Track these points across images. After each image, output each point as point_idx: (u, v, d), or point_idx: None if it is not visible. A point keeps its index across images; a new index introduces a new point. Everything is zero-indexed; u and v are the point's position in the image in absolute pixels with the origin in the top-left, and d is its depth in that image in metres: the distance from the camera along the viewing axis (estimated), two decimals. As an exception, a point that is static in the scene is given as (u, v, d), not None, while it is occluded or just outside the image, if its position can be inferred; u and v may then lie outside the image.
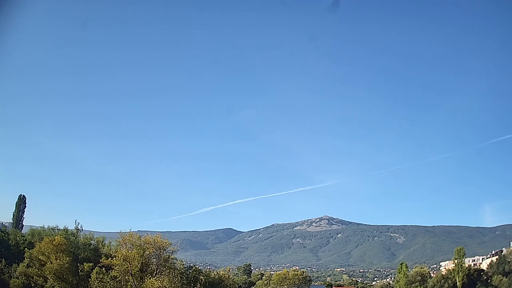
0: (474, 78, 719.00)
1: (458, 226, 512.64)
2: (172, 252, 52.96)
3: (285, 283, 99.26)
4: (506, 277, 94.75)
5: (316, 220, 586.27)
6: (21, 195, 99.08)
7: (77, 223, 66.76)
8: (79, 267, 51.33)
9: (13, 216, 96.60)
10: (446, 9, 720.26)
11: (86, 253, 58.21)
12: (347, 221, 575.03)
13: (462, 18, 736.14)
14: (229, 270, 65.51)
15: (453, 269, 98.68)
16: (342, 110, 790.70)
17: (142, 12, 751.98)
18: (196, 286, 55.59)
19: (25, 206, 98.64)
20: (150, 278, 46.17)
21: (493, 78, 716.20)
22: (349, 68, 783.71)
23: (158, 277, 47.11)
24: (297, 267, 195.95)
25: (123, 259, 45.71)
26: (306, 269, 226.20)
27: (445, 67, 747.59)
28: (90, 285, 48.06)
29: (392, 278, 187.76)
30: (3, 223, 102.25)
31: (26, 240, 68.30)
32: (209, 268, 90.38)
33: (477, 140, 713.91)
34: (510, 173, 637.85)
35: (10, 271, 57.04)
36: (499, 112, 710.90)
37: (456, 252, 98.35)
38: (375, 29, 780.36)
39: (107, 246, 62.60)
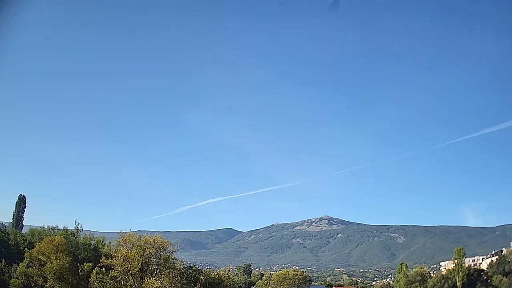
0: (451, 73, 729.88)
1: (458, 226, 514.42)
2: (172, 252, 52.74)
3: (285, 283, 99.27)
4: (506, 277, 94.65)
5: (316, 220, 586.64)
6: (21, 195, 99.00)
7: (77, 223, 66.31)
8: (79, 267, 51.21)
9: (13, 216, 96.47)
10: (445, 10, 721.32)
11: (86, 253, 57.97)
12: (347, 221, 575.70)
13: (460, 20, 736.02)
14: (229, 270, 65.22)
15: (453, 269, 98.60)
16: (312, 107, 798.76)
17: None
18: (196, 286, 55.47)
19: (25, 206, 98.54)
20: (150, 278, 46.10)
21: (474, 72, 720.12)
22: (311, 68, 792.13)
23: (158, 277, 47.03)
24: (297, 267, 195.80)
25: (123, 259, 45.63)
26: (306, 269, 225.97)
27: (420, 62, 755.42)
28: (90, 285, 47.98)
29: (392, 278, 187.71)
30: (3, 223, 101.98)
31: (26, 240, 68.11)
32: (209, 268, 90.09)
33: (451, 136, 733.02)
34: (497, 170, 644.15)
35: (10, 271, 56.96)
36: (475, 106, 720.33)
37: (456, 252, 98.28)
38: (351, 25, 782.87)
39: (107, 246, 62.37)
